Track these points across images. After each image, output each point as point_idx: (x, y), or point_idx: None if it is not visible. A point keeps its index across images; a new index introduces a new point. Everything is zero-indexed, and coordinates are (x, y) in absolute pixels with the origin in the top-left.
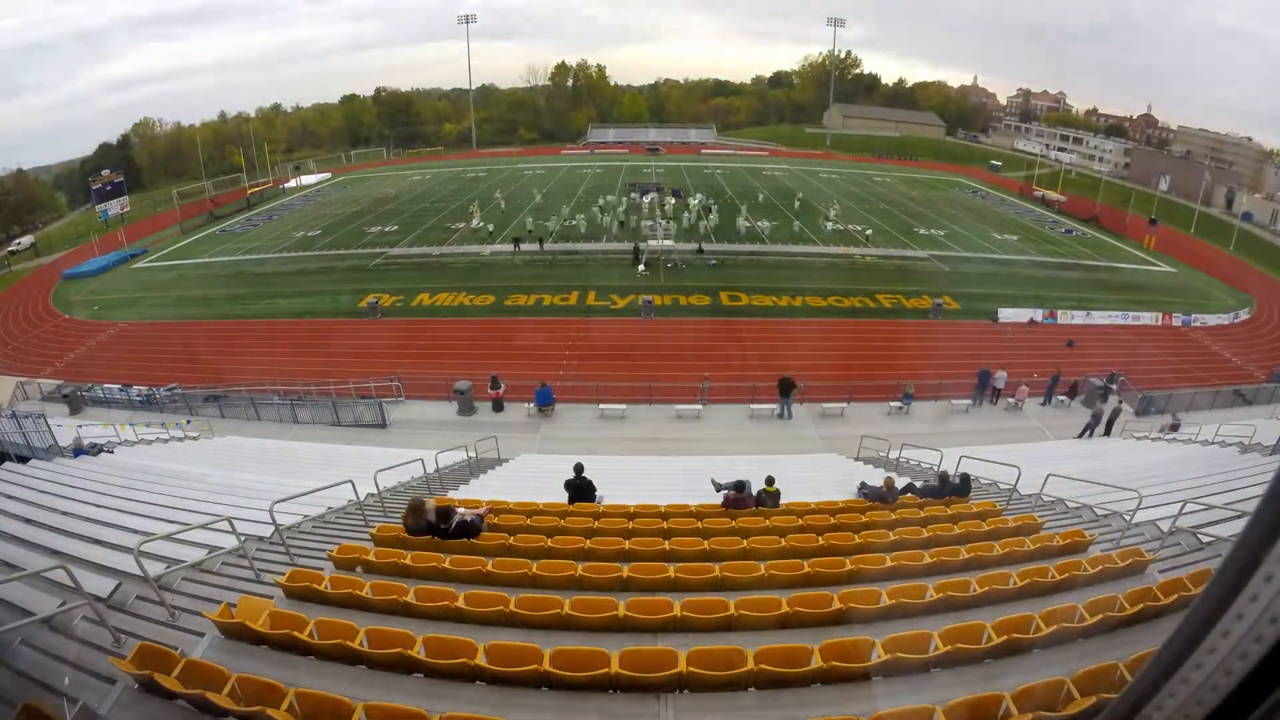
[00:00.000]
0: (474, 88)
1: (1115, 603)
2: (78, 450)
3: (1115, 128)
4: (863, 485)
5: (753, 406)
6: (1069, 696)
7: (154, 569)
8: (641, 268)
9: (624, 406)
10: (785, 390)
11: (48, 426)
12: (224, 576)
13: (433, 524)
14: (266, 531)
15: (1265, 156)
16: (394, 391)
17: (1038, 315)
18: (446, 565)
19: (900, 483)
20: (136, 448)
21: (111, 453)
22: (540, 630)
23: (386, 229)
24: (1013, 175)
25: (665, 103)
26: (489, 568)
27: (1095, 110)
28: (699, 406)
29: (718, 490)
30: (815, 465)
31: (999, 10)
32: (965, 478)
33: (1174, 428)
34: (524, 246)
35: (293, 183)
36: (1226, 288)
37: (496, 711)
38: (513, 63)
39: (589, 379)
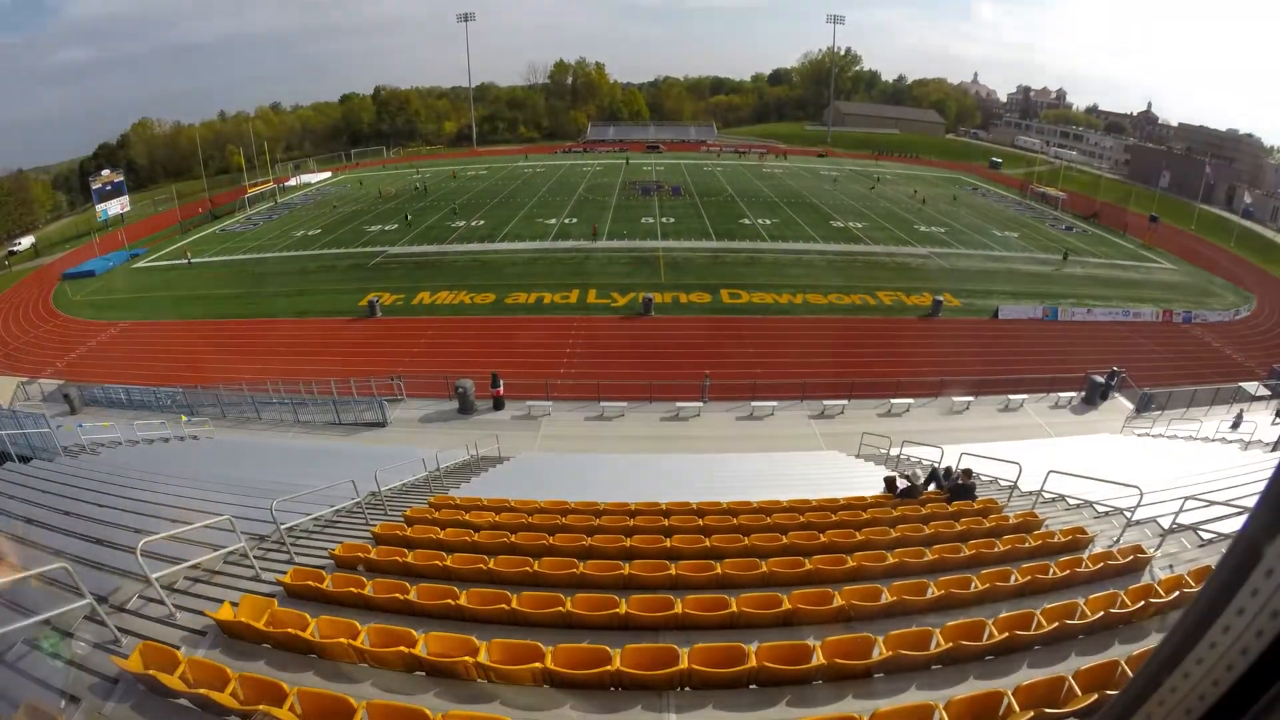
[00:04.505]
0: (473, 85)
1: (1116, 599)
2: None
3: (1115, 124)
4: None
5: (754, 404)
6: (1070, 693)
7: (155, 569)
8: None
9: (625, 404)
10: None
11: (49, 426)
12: (225, 575)
13: None
14: (268, 530)
15: (1266, 152)
16: (394, 390)
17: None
18: (448, 563)
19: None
20: (137, 447)
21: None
22: (542, 628)
23: (386, 228)
24: (1013, 172)
25: (665, 100)
26: (490, 566)
27: (1095, 107)
28: (700, 404)
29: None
30: (816, 462)
31: None
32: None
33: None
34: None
35: (293, 181)
36: (1227, 284)
37: (498, 710)
38: (512, 60)
39: (590, 377)
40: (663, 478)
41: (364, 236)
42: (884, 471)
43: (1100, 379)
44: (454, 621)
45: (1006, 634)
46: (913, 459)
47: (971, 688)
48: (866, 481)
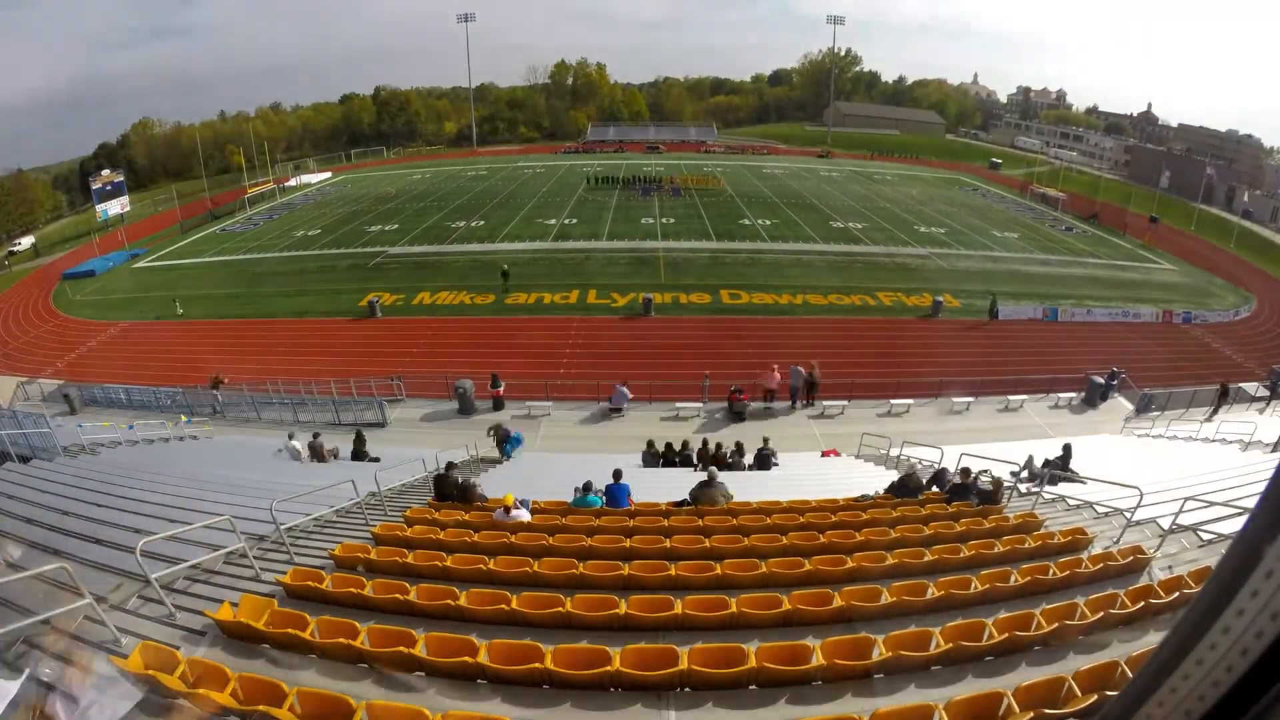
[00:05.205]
0: (473, 86)
1: (1116, 600)
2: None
3: (1115, 125)
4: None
5: (753, 404)
6: (1070, 694)
7: (155, 569)
8: None
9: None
10: None
11: (48, 426)
12: (225, 576)
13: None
14: (268, 530)
15: (1265, 153)
16: (394, 390)
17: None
18: (448, 564)
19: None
20: (137, 447)
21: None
22: (541, 629)
23: (387, 228)
24: (1013, 173)
25: (665, 101)
26: (490, 566)
27: (1095, 108)
28: (700, 404)
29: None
30: (815, 463)
31: None
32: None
33: None
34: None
35: (293, 181)
36: (1227, 285)
37: (497, 710)
38: (513, 61)
39: (590, 377)
40: (662, 478)
41: (364, 237)
42: (883, 472)
43: (1100, 379)
44: (453, 622)
45: (1006, 635)
46: (913, 460)
47: (971, 688)
48: (866, 482)
